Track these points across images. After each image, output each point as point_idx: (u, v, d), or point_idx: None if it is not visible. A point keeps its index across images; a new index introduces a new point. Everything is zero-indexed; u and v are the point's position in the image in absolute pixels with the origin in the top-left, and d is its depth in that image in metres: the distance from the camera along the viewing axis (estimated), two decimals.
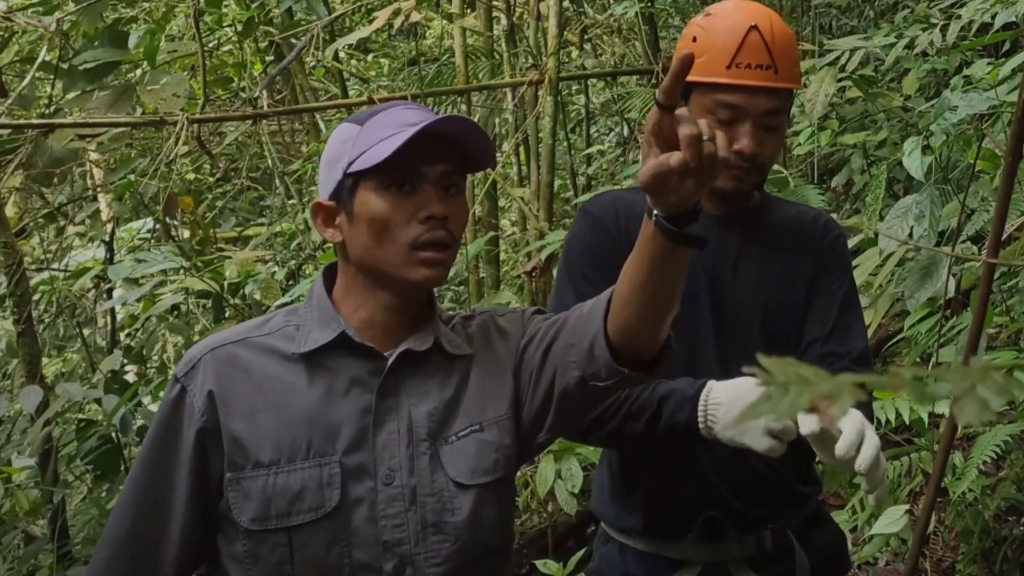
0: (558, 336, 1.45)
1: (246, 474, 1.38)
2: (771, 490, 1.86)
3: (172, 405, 1.42)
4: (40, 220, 5.84)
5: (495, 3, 5.31)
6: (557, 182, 5.58)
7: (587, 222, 1.92)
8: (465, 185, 1.46)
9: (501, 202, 5.91)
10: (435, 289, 1.53)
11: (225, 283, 4.42)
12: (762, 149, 1.81)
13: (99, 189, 6.20)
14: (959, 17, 3.31)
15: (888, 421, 2.95)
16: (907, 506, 2.80)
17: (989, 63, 3.32)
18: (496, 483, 1.47)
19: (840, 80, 3.44)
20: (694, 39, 1.84)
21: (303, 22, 5.63)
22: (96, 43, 4.45)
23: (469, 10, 5.53)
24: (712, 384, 1.73)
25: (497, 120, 6.05)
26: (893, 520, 2.68)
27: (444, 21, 6.15)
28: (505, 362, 1.51)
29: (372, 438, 1.40)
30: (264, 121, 5.13)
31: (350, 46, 6.85)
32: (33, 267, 5.56)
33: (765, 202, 1.95)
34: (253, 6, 5.04)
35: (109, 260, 5.07)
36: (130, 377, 4.94)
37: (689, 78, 1.80)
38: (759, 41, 1.77)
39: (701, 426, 1.70)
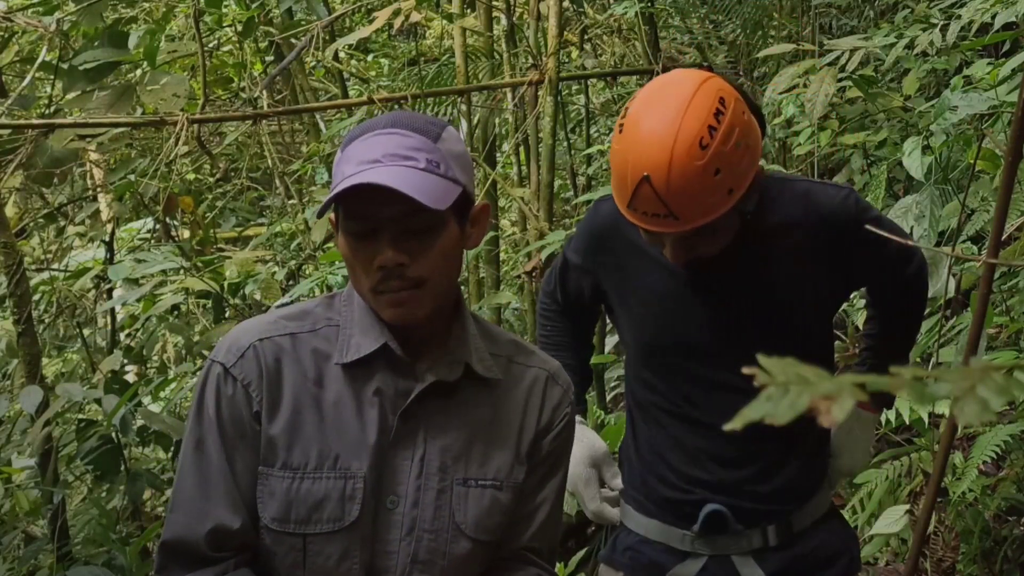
0: (510, 531, 1.49)
1: (274, 472, 1.37)
2: (775, 490, 1.88)
3: (227, 399, 1.37)
4: (40, 220, 5.85)
5: (495, 3, 5.31)
6: (557, 182, 5.58)
7: (585, 230, 2.00)
8: (447, 214, 1.34)
9: (501, 202, 5.92)
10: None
11: (225, 283, 4.42)
12: (694, 254, 1.74)
13: (99, 189, 6.20)
14: (959, 17, 3.30)
15: (888, 421, 2.96)
16: (907, 506, 2.80)
17: (989, 63, 3.32)
18: (491, 544, 1.46)
19: (840, 80, 3.44)
20: (611, 150, 1.74)
21: (303, 22, 5.63)
22: (96, 43, 4.45)
23: (469, 10, 5.52)
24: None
25: (497, 120, 6.05)
26: (893, 520, 2.68)
27: (444, 21, 6.15)
28: (525, 433, 1.49)
29: (387, 459, 1.39)
30: (264, 121, 5.13)
31: (350, 46, 6.85)
32: (33, 267, 5.56)
33: (760, 204, 1.81)
34: (253, 6, 5.04)
35: (109, 260, 5.06)
36: (130, 377, 4.94)
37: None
38: (651, 194, 1.62)
39: None
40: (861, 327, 2.18)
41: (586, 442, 2.01)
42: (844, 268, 1.85)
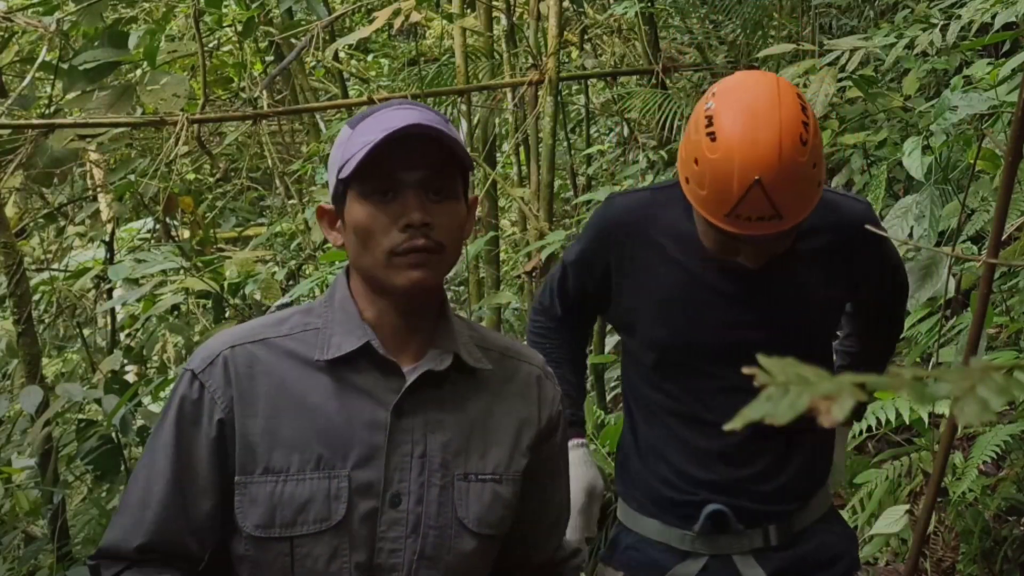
0: (523, 528, 1.53)
1: (255, 479, 1.36)
2: (777, 489, 1.88)
3: (191, 403, 1.38)
4: (40, 220, 5.85)
5: (495, 3, 5.31)
6: (557, 182, 5.59)
7: (596, 230, 1.97)
8: (460, 187, 1.41)
9: (501, 202, 5.92)
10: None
11: (225, 283, 4.42)
12: (770, 255, 1.77)
13: (99, 189, 6.20)
14: (959, 17, 3.31)
15: (888, 421, 2.96)
16: (907, 506, 2.80)
17: (989, 63, 3.32)
18: (495, 538, 1.47)
19: (840, 80, 3.44)
20: (696, 161, 1.69)
21: (303, 22, 5.63)
22: (96, 43, 4.45)
23: (469, 10, 5.53)
24: (580, 455, 1.95)
25: (497, 120, 6.05)
26: (893, 520, 2.68)
27: (444, 21, 6.15)
28: (526, 427, 1.51)
29: (384, 457, 1.38)
30: (264, 121, 5.13)
31: (350, 46, 6.85)
32: (33, 267, 5.56)
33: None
34: (253, 6, 5.04)
35: (109, 260, 5.06)
36: (130, 377, 4.94)
37: (691, 201, 1.73)
38: (761, 196, 1.62)
39: None
40: (838, 343, 2.18)
41: (592, 473, 1.99)
42: (849, 273, 1.89)
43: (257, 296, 4.69)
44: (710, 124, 1.67)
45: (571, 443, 1.88)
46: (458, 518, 1.41)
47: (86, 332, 5.46)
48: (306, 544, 1.35)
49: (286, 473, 1.35)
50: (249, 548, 1.37)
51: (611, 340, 4.46)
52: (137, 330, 5.22)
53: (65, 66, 4.47)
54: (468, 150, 1.45)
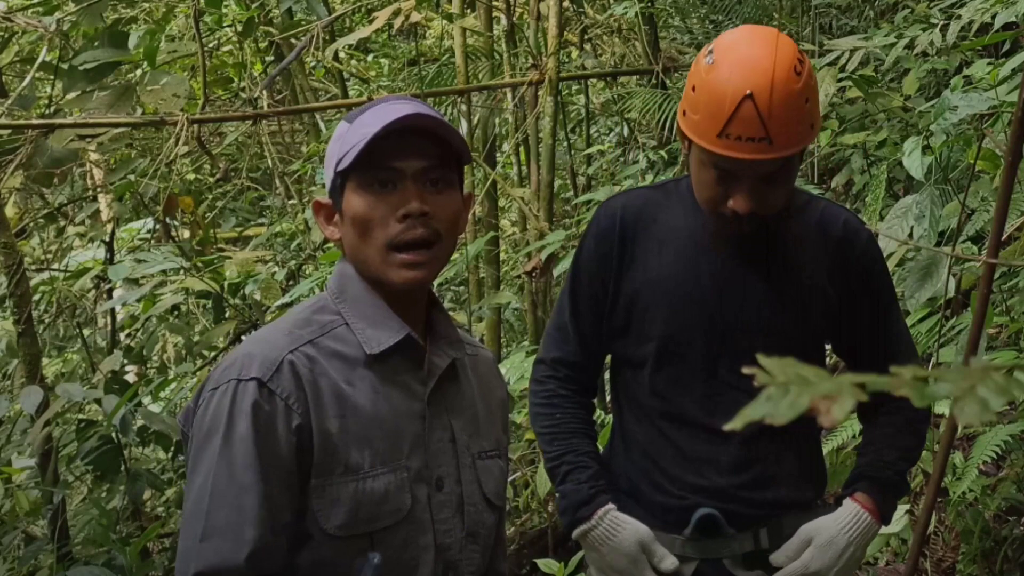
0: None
1: (335, 479, 1.35)
2: (768, 500, 1.87)
3: (264, 413, 1.33)
4: (40, 220, 5.84)
5: (495, 3, 5.31)
6: (557, 182, 5.58)
7: (593, 234, 1.94)
8: (457, 179, 1.44)
9: (501, 202, 5.91)
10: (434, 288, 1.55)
11: (225, 283, 4.42)
12: (760, 205, 1.75)
13: (99, 189, 6.20)
14: (959, 17, 3.31)
15: None
16: (907, 506, 2.80)
17: (989, 63, 3.32)
18: (502, 510, 1.55)
19: (840, 80, 3.44)
20: (693, 88, 1.76)
21: (303, 22, 5.63)
22: (96, 43, 4.45)
23: (469, 10, 5.52)
24: (615, 518, 1.87)
25: (497, 120, 6.05)
26: (893, 520, 2.67)
27: (444, 21, 6.15)
28: (503, 407, 1.63)
29: (425, 444, 1.42)
30: (264, 121, 5.13)
31: (350, 46, 6.85)
32: (33, 267, 5.55)
33: (788, 209, 1.87)
34: (253, 6, 5.04)
35: (109, 260, 5.06)
36: (130, 377, 4.94)
37: (686, 132, 1.77)
38: (752, 112, 1.66)
39: (574, 532, 1.90)
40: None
41: (631, 527, 1.89)
42: (845, 272, 1.88)
43: (257, 296, 4.68)
44: (707, 54, 1.76)
45: (602, 509, 1.87)
46: (484, 494, 1.48)
47: (86, 332, 5.46)
48: (385, 537, 1.38)
49: (363, 470, 1.36)
50: (326, 551, 1.35)
51: None
52: (137, 330, 5.22)
53: (65, 66, 4.46)
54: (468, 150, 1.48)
